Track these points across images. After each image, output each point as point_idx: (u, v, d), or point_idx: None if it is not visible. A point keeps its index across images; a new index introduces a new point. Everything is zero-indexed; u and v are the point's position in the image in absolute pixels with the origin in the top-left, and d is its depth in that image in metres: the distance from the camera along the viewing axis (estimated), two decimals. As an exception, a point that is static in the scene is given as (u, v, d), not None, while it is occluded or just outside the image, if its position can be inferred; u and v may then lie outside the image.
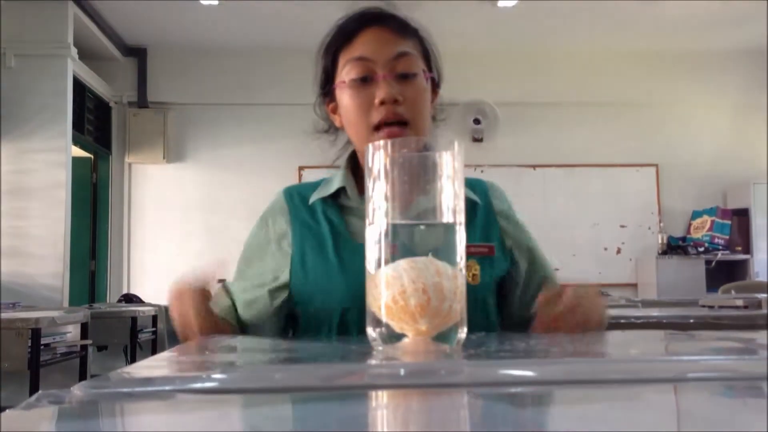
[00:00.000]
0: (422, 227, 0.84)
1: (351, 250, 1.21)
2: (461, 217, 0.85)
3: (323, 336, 1.21)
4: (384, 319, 0.82)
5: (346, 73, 1.21)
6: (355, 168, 1.31)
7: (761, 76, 7.23)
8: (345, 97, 1.21)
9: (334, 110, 1.28)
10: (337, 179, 1.29)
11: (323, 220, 1.25)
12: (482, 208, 1.29)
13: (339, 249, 1.22)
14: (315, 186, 1.31)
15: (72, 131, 6.01)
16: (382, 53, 1.19)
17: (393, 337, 0.82)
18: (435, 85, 1.29)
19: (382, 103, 1.17)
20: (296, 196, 1.30)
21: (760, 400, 0.56)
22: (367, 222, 0.85)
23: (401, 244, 0.83)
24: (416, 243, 0.83)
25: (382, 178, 0.83)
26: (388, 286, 0.81)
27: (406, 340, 0.81)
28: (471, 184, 1.31)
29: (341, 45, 1.24)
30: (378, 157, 0.83)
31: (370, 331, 0.84)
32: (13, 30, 5.68)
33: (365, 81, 1.19)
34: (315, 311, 1.22)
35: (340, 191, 1.28)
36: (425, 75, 1.23)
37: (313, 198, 1.28)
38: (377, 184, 0.83)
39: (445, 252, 0.83)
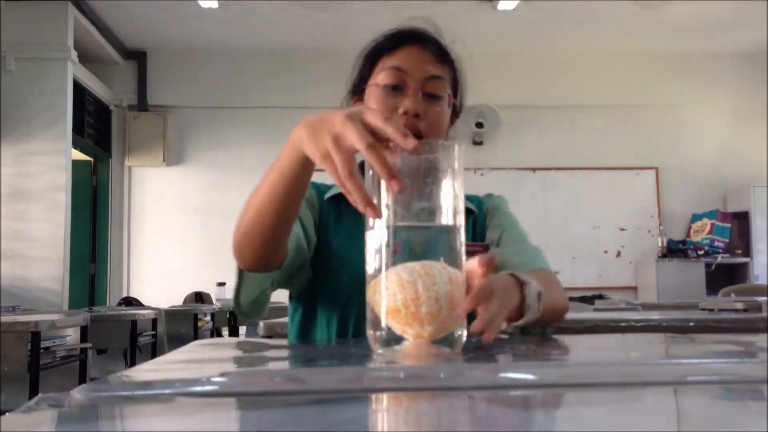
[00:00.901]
0: (423, 229, 0.84)
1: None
2: (461, 219, 0.86)
3: (326, 323, 1.30)
4: (385, 321, 0.82)
5: (381, 78, 1.29)
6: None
7: (761, 79, 7.23)
8: (372, 99, 1.29)
9: None
10: None
11: (340, 213, 1.36)
12: (476, 212, 1.42)
13: (352, 239, 1.29)
14: (327, 186, 1.40)
15: (72, 134, 6.00)
16: (419, 70, 1.28)
17: (394, 339, 0.82)
18: (455, 113, 1.37)
19: (405, 113, 1.24)
20: (316, 188, 1.40)
21: (761, 402, 0.56)
22: (366, 227, 0.86)
23: (402, 247, 0.83)
24: (417, 245, 0.83)
25: (383, 183, 0.83)
26: (402, 288, 0.80)
27: (406, 343, 0.82)
28: (469, 199, 1.43)
29: (383, 53, 1.32)
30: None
31: (371, 334, 0.84)
32: (13, 33, 5.68)
33: (395, 89, 1.27)
34: (326, 295, 1.31)
35: None
36: (449, 100, 1.31)
37: (330, 194, 1.37)
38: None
39: (445, 254, 0.84)
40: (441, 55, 1.32)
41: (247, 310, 1.24)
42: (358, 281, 1.14)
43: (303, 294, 1.35)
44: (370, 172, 0.85)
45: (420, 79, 1.27)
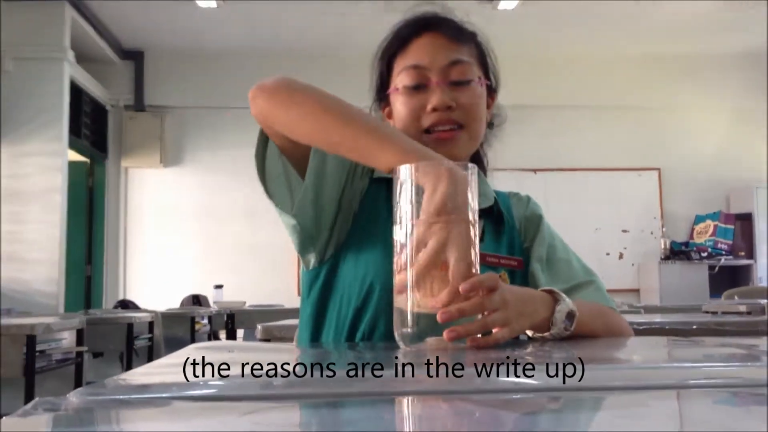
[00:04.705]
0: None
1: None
2: (476, 229, 0.91)
3: (342, 312, 1.17)
4: (412, 289, 0.87)
5: (400, 80, 1.22)
6: None
7: (764, 80, 7.22)
8: (398, 103, 1.23)
9: (390, 115, 1.29)
10: None
11: (383, 199, 1.22)
12: (507, 222, 1.29)
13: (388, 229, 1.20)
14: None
15: (68, 135, 5.98)
16: (437, 60, 1.20)
17: (421, 336, 0.88)
18: (491, 91, 1.30)
19: (434, 109, 1.18)
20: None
21: (764, 407, 0.55)
22: (395, 227, 0.91)
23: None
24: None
25: (408, 192, 0.90)
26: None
27: (429, 340, 0.87)
28: (501, 197, 1.32)
29: (396, 51, 1.25)
30: (406, 173, 0.91)
31: (399, 332, 0.89)
32: (10, 33, 5.65)
33: (418, 88, 1.20)
34: (345, 285, 1.18)
35: None
36: (480, 81, 1.23)
37: (377, 173, 1.24)
38: (403, 196, 0.91)
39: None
40: (457, 35, 1.23)
41: (269, 184, 1.22)
42: (381, 278, 1.13)
43: (317, 285, 1.22)
44: (403, 185, 0.90)
45: (440, 69, 1.19)
